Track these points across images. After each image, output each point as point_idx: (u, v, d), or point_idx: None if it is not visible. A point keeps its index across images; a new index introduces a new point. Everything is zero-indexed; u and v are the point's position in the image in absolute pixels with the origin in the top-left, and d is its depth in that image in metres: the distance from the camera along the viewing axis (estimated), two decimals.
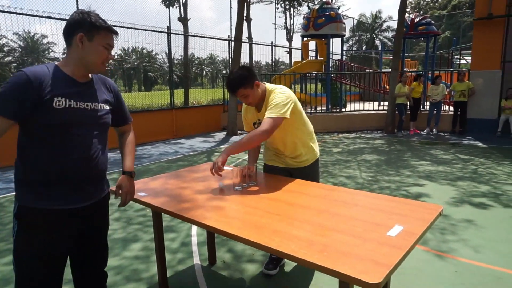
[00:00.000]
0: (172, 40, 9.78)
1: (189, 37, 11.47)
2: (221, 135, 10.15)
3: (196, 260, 2.88)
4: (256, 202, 1.97)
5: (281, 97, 2.25)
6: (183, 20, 14.73)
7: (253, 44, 14.70)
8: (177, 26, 14.95)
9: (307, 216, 1.75)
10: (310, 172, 2.53)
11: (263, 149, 2.73)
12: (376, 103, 12.56)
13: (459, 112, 9.41)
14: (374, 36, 39.66)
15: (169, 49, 9.82)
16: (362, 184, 4.91)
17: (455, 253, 2.89)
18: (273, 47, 14.60)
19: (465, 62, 17.64)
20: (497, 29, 9.10)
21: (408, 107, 9.73)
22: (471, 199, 4.23)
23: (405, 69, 14.93)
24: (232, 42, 10.36)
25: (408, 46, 26.49)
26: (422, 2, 48.86)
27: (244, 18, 10.11)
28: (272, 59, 15.03)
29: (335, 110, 11.43)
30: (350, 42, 35.32)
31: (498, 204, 4.06)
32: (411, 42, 33.23)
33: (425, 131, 9.87)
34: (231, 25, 11.68)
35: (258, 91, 2.32)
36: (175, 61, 15.53)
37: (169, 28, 9.66)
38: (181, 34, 11.25)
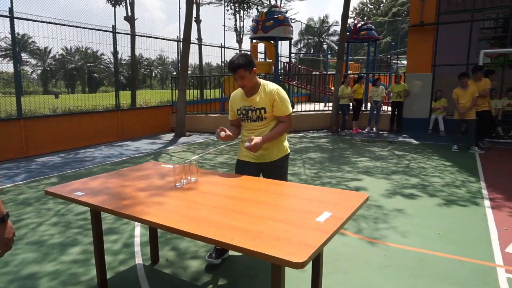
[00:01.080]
0: (118, 40, 9.48)
1: (137, 37, 11.16)
2: (169, 136, 9.99)
3: (139, 260, 2.84)
4: (196, 197, 2.02)
5: (285, 95, 2.63)
6: (130, 19, 14.26)
7: (202, 45, 14.63)
8: (124, 26, 14.46)
9: (245, 208, 1.83)
10: (280, 166, 2.74)
11: (238, 145, 2.89)
12: (322, 104, 13.08)
13: (396, 112, 10.13)
14: (322, 40, 41.19)
15: (115, 49, 9.50)
16: (305, 181, 5.12)
17: (385, 239, 3.14)
18: (223, 48, 14.66)
19: (402, 65, 19.01)
20: (428, 36, 9.94)
21: (351, 107, 10.28)
22: (403, 191, 4.60)
23: (349, 71, 15.73)
24: (181, 43, 10.25)
25: (353, 50, 27.82)
26: (366, 8, 51.72)
27: (194, 19, 10.06)
28: (222, 61, 15.07)
29: None
30: (299, 45, 36.40)
31: (425, 194, 4.46)
32: (356, 46, 35.03)
33: (366, 130, 10.49)
34: (179, 25, 11.55)
35: (255, 77, 2.57)
36: (123, 62, 14.99)
37: (114, 27, 9.34)
38: (127, 34, 10.89)
